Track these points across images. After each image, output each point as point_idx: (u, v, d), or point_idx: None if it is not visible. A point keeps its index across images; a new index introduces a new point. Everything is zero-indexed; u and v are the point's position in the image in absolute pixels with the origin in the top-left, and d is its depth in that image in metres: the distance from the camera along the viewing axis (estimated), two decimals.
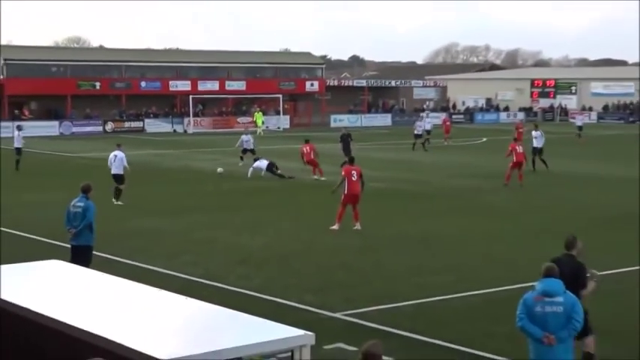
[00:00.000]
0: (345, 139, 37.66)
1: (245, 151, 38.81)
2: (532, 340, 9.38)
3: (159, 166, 39.44)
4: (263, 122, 65.16)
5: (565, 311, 9.22)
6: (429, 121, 54.60)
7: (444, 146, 50.28)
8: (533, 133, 37.00)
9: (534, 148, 36.43)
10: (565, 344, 9.30)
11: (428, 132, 50.36)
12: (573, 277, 10.31)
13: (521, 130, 44.31)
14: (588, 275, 10.70)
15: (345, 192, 21.82)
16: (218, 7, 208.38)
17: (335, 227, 21.71)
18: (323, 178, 32.36)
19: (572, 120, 70.10)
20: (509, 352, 11.77)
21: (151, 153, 46.90)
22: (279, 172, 33.78)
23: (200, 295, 11.06)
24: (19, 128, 39.20)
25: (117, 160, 26.77)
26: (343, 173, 22.26)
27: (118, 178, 26.63)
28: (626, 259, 18.22)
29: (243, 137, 39.40)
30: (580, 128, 57.16)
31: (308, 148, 34.01)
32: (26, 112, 65.87)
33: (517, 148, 31.83)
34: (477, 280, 16.43)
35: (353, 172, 21.95)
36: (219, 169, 35.29)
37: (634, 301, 15.01)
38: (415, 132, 48.42)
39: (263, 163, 33.90)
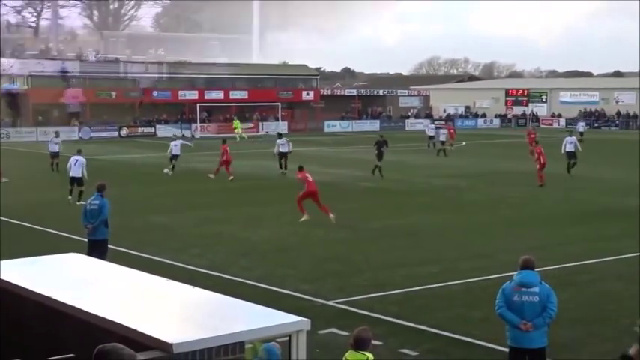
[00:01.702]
0: (381, 144, 34.64)
1: (173, 157, 36.32)
2: (510, 326, 9.29)
3: None
4: (241, 128, 64.08)
5: (541, 300, 9.14)
6: (433, 128, 54.56)
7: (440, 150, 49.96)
8: (568, 139, 35.77)
9: (568, 153, 35.16)
10: (540, 331, 9.22)
11: (431, 138, 51.07)
12: None
13: (533, 135, 43.74)
14: None
15: (305, 190, 22.24)
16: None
17: (305, 217, 21.95)
18: (231, 178, 32.21)
19: (573, 126, 67.91)
20: (483, 334, 11.80)
21: (162, 156, 46.44)
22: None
23: (205, 284, 11.01)
24: (57, 134, 38.96)
25: (77, 164, 26.38)
26: (300, 177, 22.66)
27: (77, 181, 25.99)
28: (595, 251, 18.15)
29: (172, 143, 37.12)
30: (581, 134, 55.73)
31: (228, 148, 33.55)
32: (77, 122, 65.37)
33: (542, 151, 30.99)
34: (457, 270, 16.40)
35: (307, 175, 22.51)
36: (166, 170, 35.57)
37: (603, 289, 15.02)
38: (440, 139, 48.06)
39: (277, 148, 35.51)
